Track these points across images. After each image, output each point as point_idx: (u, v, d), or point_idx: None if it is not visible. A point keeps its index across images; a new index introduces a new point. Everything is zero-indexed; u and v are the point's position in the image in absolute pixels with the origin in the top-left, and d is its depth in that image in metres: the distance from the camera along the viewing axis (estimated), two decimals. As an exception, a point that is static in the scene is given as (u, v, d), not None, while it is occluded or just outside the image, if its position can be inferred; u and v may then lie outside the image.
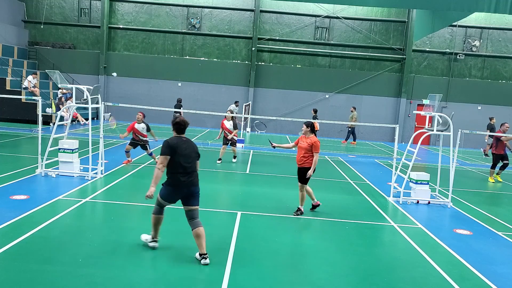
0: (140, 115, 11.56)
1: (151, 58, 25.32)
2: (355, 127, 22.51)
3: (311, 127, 8.08)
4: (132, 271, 5.20)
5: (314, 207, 8.55)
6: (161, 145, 5.67)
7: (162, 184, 5.71)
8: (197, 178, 5.74)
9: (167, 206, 5.87)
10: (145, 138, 11.70)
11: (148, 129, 11.71)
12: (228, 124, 13.39)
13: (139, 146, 11.81)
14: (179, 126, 5.69)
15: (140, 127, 11.61)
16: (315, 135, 8.34)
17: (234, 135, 13.43)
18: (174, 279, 5.05)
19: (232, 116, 13.53)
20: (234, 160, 13.72)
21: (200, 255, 5.59)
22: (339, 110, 25.12)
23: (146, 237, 6.05)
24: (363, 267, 5.88)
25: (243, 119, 22.01)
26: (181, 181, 5.53)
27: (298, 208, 8.26)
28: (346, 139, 22.72)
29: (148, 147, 11.85)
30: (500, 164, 13.41)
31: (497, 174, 13.70)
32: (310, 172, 7.91)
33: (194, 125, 25.07)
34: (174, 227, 7.06)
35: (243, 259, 5.82)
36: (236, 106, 21.89)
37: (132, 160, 12.15)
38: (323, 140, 22.49)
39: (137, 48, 25.45)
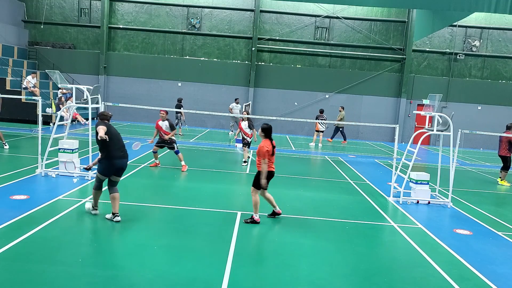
0: (163, 113, 11.40)
1: (151, 58, 25.33)
2: (343, 126, 22.35)
3: (265, 132, 7.34)
4: (132, 271, 5.20)
5: (274, 214, 7.79)
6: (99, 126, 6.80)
7: (99, 161, 6.92)
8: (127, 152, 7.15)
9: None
10: (169, 137, 11.50)
11: (172, 128, 11.60)
12: (244, 125, 13.16)
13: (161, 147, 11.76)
14: (104, 116, 7.09)
15: (164, 125, 11.52)
16: (269, 139, 7.36)
17: (249, 136, 13.22)
18: (174, 279, 5.05)
19: (248, 117, 13.30)
20: (244, 165, 13.15)
21: (113, 214, 6.91)
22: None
23: (88, 206, 7.25)
24: (363, 267, 5.88)
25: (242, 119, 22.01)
26: (118, 155, 6.88)
27: (252, 216, 7.45)
28: (345, 139, 22.65)
29: (175, 146, 11.67)
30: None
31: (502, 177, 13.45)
32: (262, 181, 7.19)
33: (194, 125, 25.07)
34: (173, 228, 7.06)
35: (243, 259, 5.82)
36: (237, 103, 21.96)
37: (160, 163, 11.96)
38: (322, 140, 22.47)
39: (137, 48, 25.45)
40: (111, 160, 6.84)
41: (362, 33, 25.17)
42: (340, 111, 22.09)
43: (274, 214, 7.82)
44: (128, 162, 7.14)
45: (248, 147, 13.42)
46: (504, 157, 13.14)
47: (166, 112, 11.52)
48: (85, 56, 25.23)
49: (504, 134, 12.49)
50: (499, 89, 25.22)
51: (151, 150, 11.99)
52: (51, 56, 24.97)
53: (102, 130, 6.67)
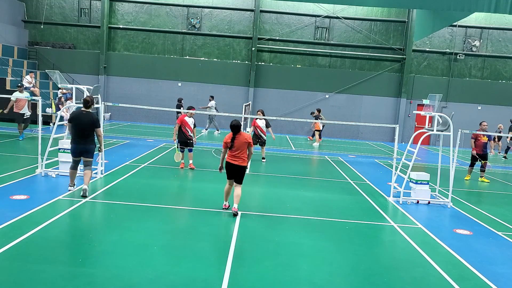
0: (194, 111, 11.75)
1: (151, 58, 25.33)
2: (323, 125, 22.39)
3: (230, 127, 7.71)
4: (132, 271, 5.20)
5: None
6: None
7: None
8: (91, 139, 8.36)
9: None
10: (192, 135, 11.70)
11: (195, 126, 11.86)
12: (261, 123, 13.83)
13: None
14: (85, 102, 8.38)
15: (190, 121, 11.72)
16: (232, 133, 7.77)
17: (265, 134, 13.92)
18: (174, 279, 5.05)
19: (263, 114, 13.92)
20: (263, 161, 13.87)
21: (84, 188, 8.21)
22: (339, 110, 25.14)
23: (84, 187, 8.23)
24: (363, 267, 5.88)
25: (243, 119, 22.02)
26: (77, 140, 8.27)
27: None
28: (313, 137, 22.63)
29: (192, 146, 11.86)
30: (478, 163, 13.54)
31: (482, 176, 13.71)
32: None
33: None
34: (173, 228, 7.06)
35: (243, 259, 5.82)
36: (209, 100, 22.06)
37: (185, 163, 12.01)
38: (323, 140, 22.49)
39: (137, 48, 25.45)
40: (72, 144, 8.39)
41: (362, 33, 25.17)
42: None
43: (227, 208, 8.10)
44: (85, 148, 8.38)
45: (264, 144, 14.12)
46: (478, 154, 13.28)
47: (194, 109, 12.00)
48: (85, 56, 25.23)
49: (482, 133, 12.53)
50: (499, 89, 25.23)
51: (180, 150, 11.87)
52: (51, 56, 24.97)
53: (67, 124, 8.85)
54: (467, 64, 25.42)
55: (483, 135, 12.97)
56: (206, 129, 22.54)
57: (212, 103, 22.10)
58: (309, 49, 25.26)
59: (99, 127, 8.50)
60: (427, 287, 5.41)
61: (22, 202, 7.57)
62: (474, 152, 13.24)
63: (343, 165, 14.62)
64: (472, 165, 13.59)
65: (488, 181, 13.41)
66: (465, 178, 13.56)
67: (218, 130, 22.54)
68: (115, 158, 12.42)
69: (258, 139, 13.87)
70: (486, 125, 12.99)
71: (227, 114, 13.80)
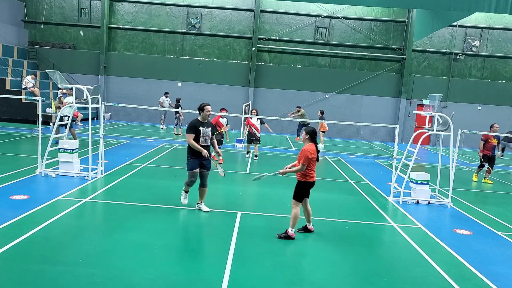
0: (225, 111, 12.61)
1: (151, 58, 25.32)
2: (308, 123, 22.33)
3: (310, 134, 6.98)
4: (132, 271, 5.20)
5: (306, 229, 7.16)
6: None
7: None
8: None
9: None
10: (223, 131, 12.60)
11: (227, 124, 12.71)
12: (255, 121, 14.17)
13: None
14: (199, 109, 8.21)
15: (224, 121, 12.65)
16: (314, 143, 7.13)
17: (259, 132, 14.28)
18: (174, 279, 5.05)
19: (257, 112, 14.41)
20: (256, 159, 14.24)
21: (199, 203, 8.01)
22: (339, 110, 25.14)
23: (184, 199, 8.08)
24: (363, 267, 5.88)
25: (242, 119, 22.01)
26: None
27: (286, 230, 6.78)
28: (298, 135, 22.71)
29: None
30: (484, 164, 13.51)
31: (485, 177, 13.64)
32: (289, 170, 7.03)
33: (194, 125, 25.02)
34: (173, 228, 7.06)
35: (243, 259, 5.82)
36: (166, 97, 22.02)
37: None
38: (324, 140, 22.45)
39: (137, 48, 25.45)
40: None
41: (362, 33, 25.17)
42: (298, 110, 22.05)
43: (305, 230, 7.11)
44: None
45: (259, 142, 14.44)
46: (487, 156, 13.24)
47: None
48: (85, 56, 25.23)
49: (485, 133, 12.49)
50: (499, 89, 25.23)
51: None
52: (51, 56, 24.97)
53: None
54: (467, 64, 25.42)
55: (493, 137, 12.91)
56: (172, 127, 22.59)
57: (162, 98, 21.99)
58: (309, 49, 25.26)
59: (186, 132, 7.98)
60: (427, 287, 5.41)
61: (22, 202, 7.57)
62: (481, 154, 13.12)
63: (343, 165, 14.61)
64: (481, 166, 13.41)
65: (492, 182, 13.33)
66: (474, 179, 13.49)
67: (163, 125, 22.58)
68: (115, 158, 12.42)
69: (253, 137, 14.15)
70: (498, 127, 12.89)
71: (227, 114, 13.81)
